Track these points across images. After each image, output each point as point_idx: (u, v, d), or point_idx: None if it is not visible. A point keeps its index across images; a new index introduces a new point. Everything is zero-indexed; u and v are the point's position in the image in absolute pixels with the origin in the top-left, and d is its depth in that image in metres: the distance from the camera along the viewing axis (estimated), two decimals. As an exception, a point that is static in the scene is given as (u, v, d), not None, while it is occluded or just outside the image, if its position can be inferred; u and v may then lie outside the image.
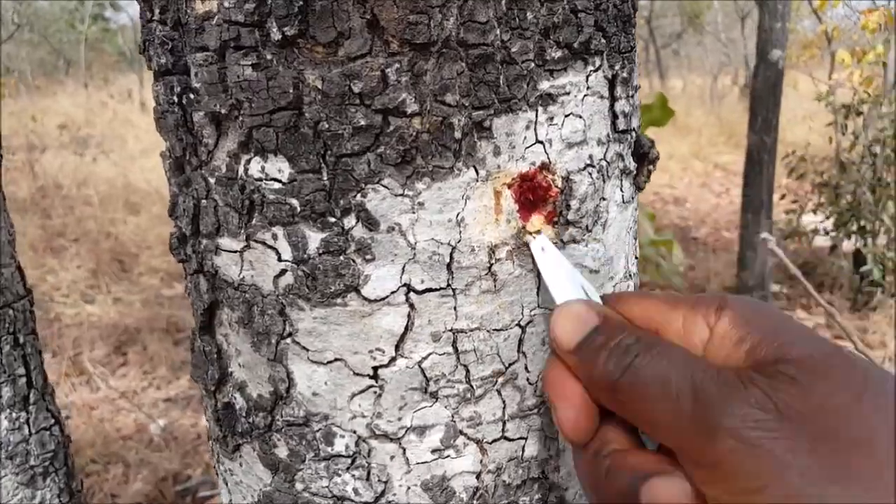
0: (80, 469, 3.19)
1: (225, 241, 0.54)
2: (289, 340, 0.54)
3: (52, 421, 0.95)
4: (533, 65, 0.50)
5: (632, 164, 0.61)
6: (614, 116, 0.57)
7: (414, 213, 0.50)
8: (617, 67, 0.56)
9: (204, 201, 0.55)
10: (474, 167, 0.50)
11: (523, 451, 0.57)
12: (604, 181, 0.57)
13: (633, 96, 0.59)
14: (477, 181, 0.51)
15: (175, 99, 0.54)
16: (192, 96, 0.53)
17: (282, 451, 0.57)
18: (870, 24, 6.35)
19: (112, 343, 4.43)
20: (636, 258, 0.66)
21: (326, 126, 0.48)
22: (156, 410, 3.76)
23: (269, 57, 0.48)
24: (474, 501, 0.56)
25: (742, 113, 10.16)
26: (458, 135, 0.49)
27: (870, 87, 6.17)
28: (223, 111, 0.50)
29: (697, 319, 0.45)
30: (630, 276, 0.64)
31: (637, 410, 0.43)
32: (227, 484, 0.65)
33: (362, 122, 0.48)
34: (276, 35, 0.47)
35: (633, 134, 0.60)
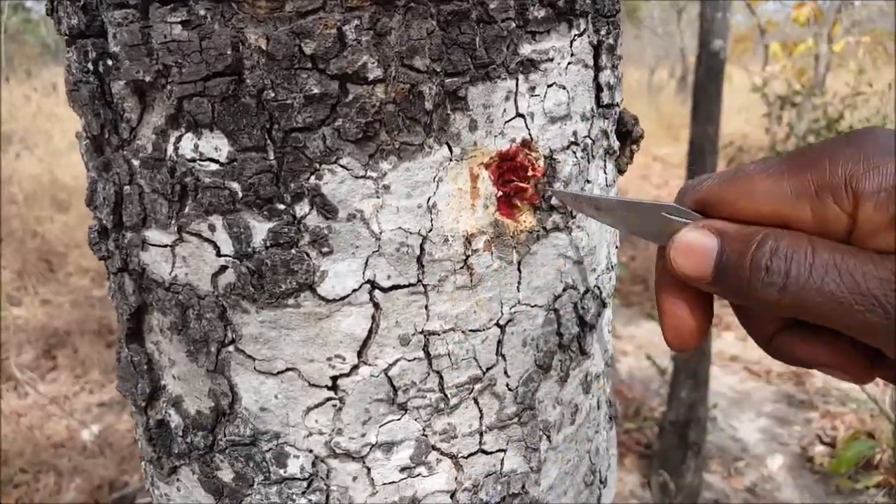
0: (9, 480, 3.01)
1: (153, 234, 0.46)
2: (231, 348, 0.46)
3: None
4: (513, 24, 0.43)
5: (615, 144, 0.55)
6: (598, 88, 0.51)
7: (378, 197, 0.43)
8: (602, 33, 0.50)
9: (127, 187, 0.47)
10: (447, 144, 0.43)
11: (502, 464, 0.51)
12: (588, 161, 0.50)
13: (617, 66, 0.53)
14: (451, 160, 0.44)
15: (90, 67, 0.46)
16: (109, 63, 0.45)
17: (226, 475, 0.49)
18: (800, 17, 6.52)
19: (41, 346, 4.21)
20: (616, 247, 0.60)
21: (272, 95, 0.40)
22: (89, 416, 3.59)
23: (201, 13, 0.40)
24: (448, 525, 0.50)
25: (679, 105, 10.32)
26: (428, 105, 0.42)
27: (802, 79, 6.36)
28: (147, 79, 0.42)
29: (828, 208, 0.36)
30: (611, 266, 0.58)
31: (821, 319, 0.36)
32: (162, 512, 0.57)
33: (315, 91, 0.40)
34: (210, -15, 0.39)
35: (617, 109, 0.54)
